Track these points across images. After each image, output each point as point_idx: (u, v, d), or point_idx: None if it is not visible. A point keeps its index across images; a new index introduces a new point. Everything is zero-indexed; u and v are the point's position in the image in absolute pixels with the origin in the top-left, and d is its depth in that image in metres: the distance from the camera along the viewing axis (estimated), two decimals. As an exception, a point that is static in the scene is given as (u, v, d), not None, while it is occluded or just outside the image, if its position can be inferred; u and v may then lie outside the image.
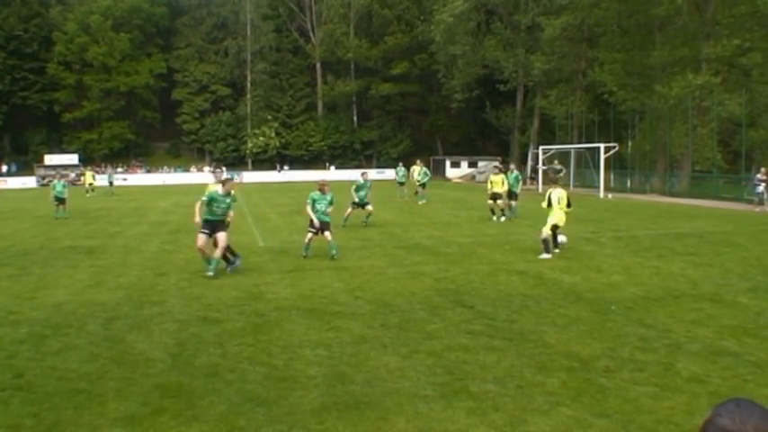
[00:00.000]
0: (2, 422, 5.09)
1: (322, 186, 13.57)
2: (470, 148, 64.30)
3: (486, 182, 23.24)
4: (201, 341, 7.24)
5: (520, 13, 50.21)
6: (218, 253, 11.19)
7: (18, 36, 59.87)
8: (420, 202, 26.93)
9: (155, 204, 28.49)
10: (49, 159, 57.59)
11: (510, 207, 20.86)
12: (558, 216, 12.92)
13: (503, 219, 20.07)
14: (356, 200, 18.86)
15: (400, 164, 35.48)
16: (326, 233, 13.31)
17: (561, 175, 34.00)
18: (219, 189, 11.54)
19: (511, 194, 20.94)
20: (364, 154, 66.11)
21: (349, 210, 18.75)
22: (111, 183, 41.03)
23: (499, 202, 20.24)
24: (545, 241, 12.84)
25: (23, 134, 62.49)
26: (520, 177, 22.00)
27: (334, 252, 13.12)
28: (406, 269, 11.74)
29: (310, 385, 5.78)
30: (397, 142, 65.14)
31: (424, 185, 28.61)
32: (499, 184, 20.16)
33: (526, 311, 8.44)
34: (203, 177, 58.14)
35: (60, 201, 22.59)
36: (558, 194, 13.03)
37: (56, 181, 24.26)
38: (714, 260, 12.42)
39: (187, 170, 62.43)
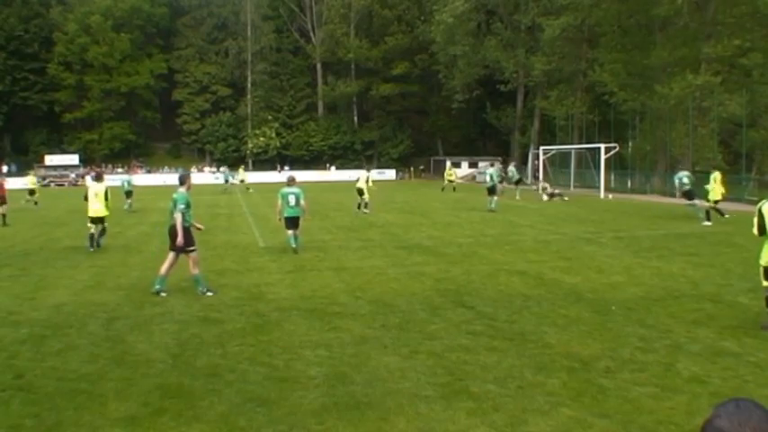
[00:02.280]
0: (2, 423, 5.09)
1: (290, 180, 14.12)
2: (471, 149, 64.29)
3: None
4: (202, 342, 7.25)
5: (520, 13, 50.22)
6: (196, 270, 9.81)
7: (18, 36, 59.89)
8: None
9: (155, 205, 28.48)
10: (50, 160, 57.62)
11: (491, 202, 23.64)
12: (714, 194, 18.88)
13: (366, 211, 23.02)
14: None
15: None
16: (295, 230, 13.85)
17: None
18: (183, 190, 9.86)
19: (491, 190, 23.69)
20: (365, 154, 66.10)
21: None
22: (227, 180, 41.49)
23: (365, 197, 23.34)
24: (707, 212, 19.00)
25: (24, 134, 62.49)
26: (495, 175, 24.74)
27: (294, 246, 13.71)
28: (406, 269, 11.74)
29: (311, 386, 5.78)
30: (398, 143, 65.17)
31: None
32: (364, 182, 23.70)
33: (527, 312, 8.43)
34: (204, 178, 58.39)
35: (128, 194, 25.19)
36: (714, 175, 19.12)
37: (125, 175, 27.78)
38: (714, 260, 12.42)
39: (188, 171, 62.47)
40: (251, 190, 39.74)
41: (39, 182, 30.75)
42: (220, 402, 5.41)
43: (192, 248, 9.72)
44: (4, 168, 58.34)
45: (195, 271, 9.76)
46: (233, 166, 62.13)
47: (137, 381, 5.98)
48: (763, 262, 7.36)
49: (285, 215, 13.85)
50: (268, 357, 6.62)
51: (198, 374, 6.13)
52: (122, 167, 59.48)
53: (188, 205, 9.71)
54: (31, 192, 28.28)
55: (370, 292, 9.76)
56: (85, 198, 14.99)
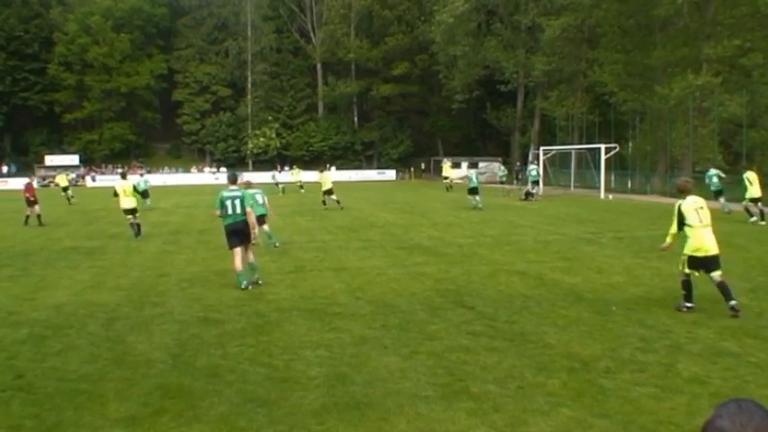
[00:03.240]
0: (3, 423, 5.09)
1: (248, 184, 13.78)
2: (471, 149, 64.29)
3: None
4: (202, 342, 7.25)
5: (520, 13, 50.21)
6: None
7: (19, 37, 59.92)
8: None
9: (155, 205, 28.49)
10: (50, 160, 57.68)
11: (475, 200, 24.90)
12: (752, 192, 19.00)
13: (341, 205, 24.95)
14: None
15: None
16: (263, 225, 14.18)
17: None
18: (236, 187, 10.62)
19: (473, 190, 24.92)
20: (365, 155, 66.12)
21: None
22: (277, 184, 40.16)
23: (333, 196, 24.93)
24: (761, 212, 18.83)
25: (24, 135, 62.52)
26: (477, 175, 27.03)
27: (273, 241, 14.44)
28: (406, 270, 11.74)
29: (311, 386, 5.78)
30: (398, 143, 65.16)
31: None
32: (327, 181, 25.46)
33: (527, 312, 8.43)
34: (204, 178, 58.41)
35: (144, 194, 26.82)
36: (746, 175, 19.19)
37: (140, 177, 30.67)
38: (715, 261, 12.38)
39: (188, 171, 62.47)
40: (303, 190, 38.92)
41: (69, 180, 34.95)
42: (221, 403, 5.41)
43: (253, 242, 10.58)
44: (5, 169, 58.41)
45: (254, 259, 10.70)
46: (233, 166, 62.26)
47: (137, 381, 5.98)
48: (686, 251, 8.37)
49: (256, 214, 14.54)
50: (268, 358, 6.62)
51: (198, 375, 6.13)
52: (123, 168, 59.51)
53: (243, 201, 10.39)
54: (65, 188, 31.87)
55: (371, 293, 9.75)
56: (115, 195, 17.47)
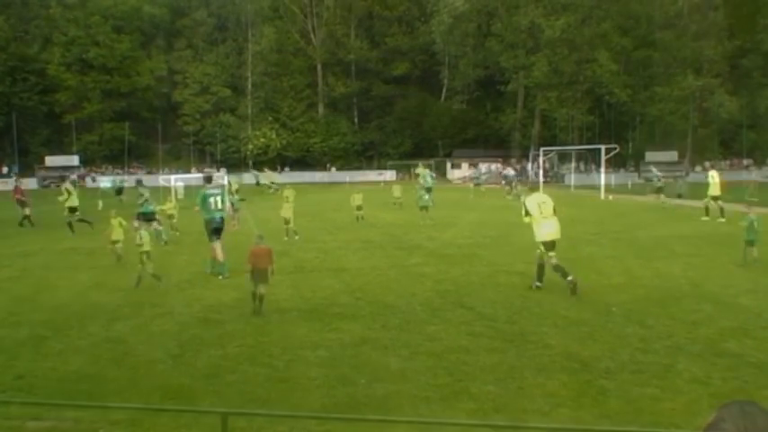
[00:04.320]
0: (3, 423, 5.09)
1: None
2: (471, 150, 64.26)
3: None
4: (202, 342, 7.24)
5: (520, 14, 50.26)
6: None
7: (19, 37, 59.90)
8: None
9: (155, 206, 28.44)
10: (50, 161, 57.61)
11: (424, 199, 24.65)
12: (712, 190, 19.45)
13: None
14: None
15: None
16: (153, 223, 15.76)
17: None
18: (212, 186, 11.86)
19: (427, 190, 24.59)
20: (365, 155, 66.09)
21: None
22: (258, 183, 40.95)
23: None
24: (706, 208, 19.74)
25: (24, 136, 62.48)
26: (433, 175, 27.70)
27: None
28: (406, 270, 11.74)
29: (311, 386, 5.78)
30: (398, 143, 65.13)
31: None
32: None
33: (526, 313, 8.43)
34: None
35: (119, 192, 29.69)
36: (711, 173, 20.24)
37: (118, 179, 33.55)
38: (715, 261, 12.40)
39: (188, 171, 62.41)
40: (273, 190, 38.65)
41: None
42: (221, 403, 5.41)
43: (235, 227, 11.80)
44: (4, 170, 58.40)
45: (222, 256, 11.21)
46: (233, 167, 62.18)
47: (137, 381, 5.97)
48: (537, 239, 9.79)
49: (144, 211, 15.98)
50: (268, 358, 6.62)
51: (198, 375, 6.13)
52: (122, 169, 59.48)
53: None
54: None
55: (371, 293, 9.75)
56: (68, 194, 19.05)
